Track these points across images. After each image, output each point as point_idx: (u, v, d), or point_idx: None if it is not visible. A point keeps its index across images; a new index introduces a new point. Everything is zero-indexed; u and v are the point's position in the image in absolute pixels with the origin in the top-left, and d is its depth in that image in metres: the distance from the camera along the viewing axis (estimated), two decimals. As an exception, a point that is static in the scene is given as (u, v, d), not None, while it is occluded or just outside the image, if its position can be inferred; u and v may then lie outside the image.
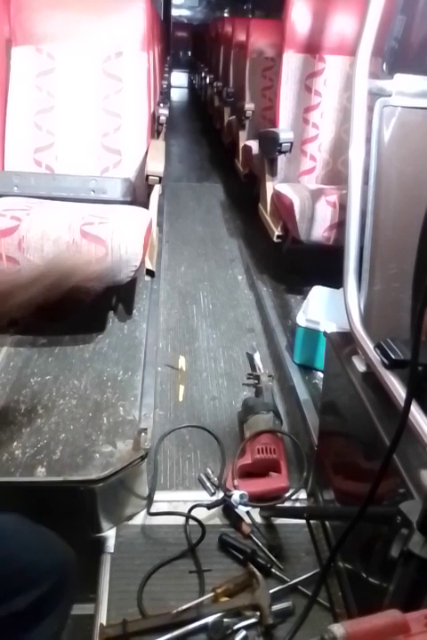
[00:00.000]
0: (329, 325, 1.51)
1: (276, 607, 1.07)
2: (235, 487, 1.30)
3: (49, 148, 1.97)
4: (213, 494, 1.36)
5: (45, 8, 1.98)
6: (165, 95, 3.66)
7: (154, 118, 2.50)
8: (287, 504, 1.34)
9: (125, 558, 1.20)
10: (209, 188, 3.92)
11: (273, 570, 1.16)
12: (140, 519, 1.29)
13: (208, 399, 1.71)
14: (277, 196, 2.20)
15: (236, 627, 1.04)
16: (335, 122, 2.32)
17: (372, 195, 1.16)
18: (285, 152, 2.17)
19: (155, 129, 2.56)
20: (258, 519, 1.28)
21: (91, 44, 1.98)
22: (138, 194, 1.92)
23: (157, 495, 1.33)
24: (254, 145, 2.85)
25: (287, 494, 1.34)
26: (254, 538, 1.23)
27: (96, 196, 1.83)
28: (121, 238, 1.48)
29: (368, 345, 1.03)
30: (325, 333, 1.27)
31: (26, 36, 1.97)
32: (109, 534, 1.25)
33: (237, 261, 2.70)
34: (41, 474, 1.21)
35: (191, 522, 1.26)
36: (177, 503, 1.33)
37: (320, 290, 1.80)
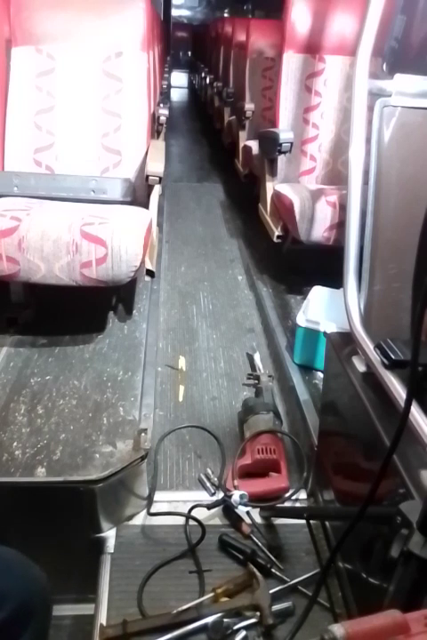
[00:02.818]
0: (329, 325, 1.51)
1: (276, 607, 1.07)
2: (235, 487, 1.30)
3: (49, 149, 1.97)
4: (213, 494, 1.36)
5: (45, 8, 1.98)
6: (164, 95, 3.66)
7: (154, 118, 2.50)
8: (287, 504, 1.34)
9: (125, 558, 1.20)
10: (209, 189, 3.92)
11: (273, 570, 1.16)
12: (140, 519, 1.29)
13: (208, 399, 1.71)
14: (278, 196, 2.20)
15: (236, 627, 1.04)
16: (335, 122, 2.32)
17: (372, 195, 1.16)
18: (285, 152, 2.17)
19: (155, 129, 2.56)
20: (258, 519, 1.28)
21: (91, 44, 1.98)
22: (138, 194, 1.92)
23: (157, 495, 1.33)
24: (254, 145, 2.85)
25: (287, 494, 1.34)
26: (254, 538, 1.23)
27: (96, 196, 1.83)
28: (121, 238, 1.48)
29: (368, 345, 1.03)
30: (325, 334, 1.27)
31: (26, 36, 1.97)
32: (109, 534, 1.25)
33: (237, 262, 2.70)
34: (41, 474, 1.21)
35: (191, 522, 1.25)
36: (177, 503, 1.33)
37: (320, 290, 1.80)
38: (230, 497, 1.25)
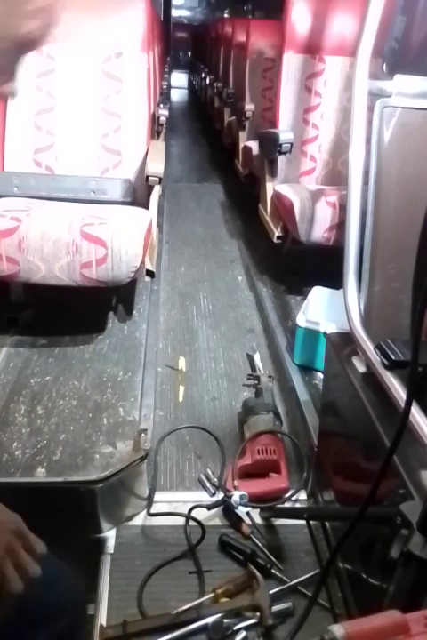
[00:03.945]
0: (329, 326, 1.51)
1: (276, 608, 1.07)
2: (235, 488, 1.30)
3: (49, 149, 1.97)
4: (213, 495, 1.36)
5: (45, 9, 1.98)
6: (164, 96, 3.66)
7: (154, 119, 2.50)
8: (287, 505, 1.34)
9: (125, 559, 1.20)
10: (209, 189, 3.92)
11: (273, 570, 1.16)
12: (140, 520, 1.29)
13: (208, 400, 1.71)
14: (278, 196, 2.20)
15: (236, 627, 1.04)
16: (335, 122, 2.33)
17: (372, 195, 1.16)
18: (285, 153, 2.17)
19: (155, 129, 2.56)
20: (258, 520, 1.28)
21: (91, 45, 1.98)
22: (138, 194, 1.92)
23: (157, 496, 1.33)
24: (254, 146, 2.85)
25: (287, 495, 1.34)
26: (254, 538, 1.23)
27: (96, 196, 1.83)
28: (121, 239, 1.48)
29: (368, 345, 1.03)
30: (325, 334, 1.27)
31: (26, 36, 1.96)
32: (109, 535, 1.25)
33: (237, 262, 2.70)
34: (41, 474, 1.21)
35: (191, 522, 1.25)
36: (177, 504, 1.32)
37: (320, 290, 1.80)
38: (230, 497, 1.25)
